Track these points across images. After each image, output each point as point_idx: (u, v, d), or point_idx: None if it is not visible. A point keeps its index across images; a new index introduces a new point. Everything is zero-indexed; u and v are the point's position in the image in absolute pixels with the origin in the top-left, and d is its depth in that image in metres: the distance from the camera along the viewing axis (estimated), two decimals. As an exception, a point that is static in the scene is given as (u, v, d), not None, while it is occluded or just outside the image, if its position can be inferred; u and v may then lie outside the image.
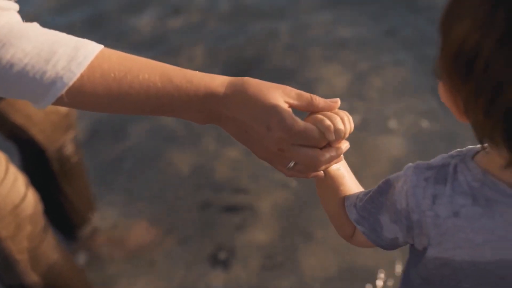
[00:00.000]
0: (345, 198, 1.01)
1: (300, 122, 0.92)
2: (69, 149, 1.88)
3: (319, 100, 0.95)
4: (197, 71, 0.96)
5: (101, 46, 0.93)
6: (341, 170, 1.02)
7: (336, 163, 0.98)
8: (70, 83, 0.90)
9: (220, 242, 2.13)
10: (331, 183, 1.02)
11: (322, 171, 0.98)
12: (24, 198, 1.47)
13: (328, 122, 0.92)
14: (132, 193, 2.35)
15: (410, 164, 0.92)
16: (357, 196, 1.00)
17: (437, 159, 0.91)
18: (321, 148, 0.94)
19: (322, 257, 2.02)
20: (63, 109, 1.77)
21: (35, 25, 0.92)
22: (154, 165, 2.45)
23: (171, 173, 2.40)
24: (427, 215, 0.88)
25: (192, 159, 2.45)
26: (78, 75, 0.90)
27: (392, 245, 0.97)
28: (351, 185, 1.03)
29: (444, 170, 0.88)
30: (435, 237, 0.88)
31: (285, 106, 0.93)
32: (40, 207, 1.55)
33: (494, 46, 0.71)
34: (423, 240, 0.91)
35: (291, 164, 0.95)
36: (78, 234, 2.10)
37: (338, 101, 0.95)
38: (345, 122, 0.93)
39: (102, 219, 2.21)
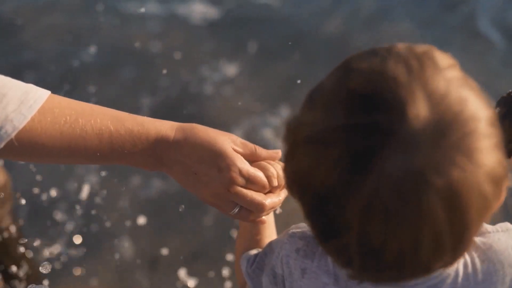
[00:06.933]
0: (248, 250, 1.04)
1: (250, 166, 0.97)
2: (6, 222, 1.83)
3: (261, 150, 1.00)
4: (145, 116, 0.98)
5: (49, 92, 0.93)
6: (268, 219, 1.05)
7: (276, 208, 1.01)
8: (21, 126, 0.88)
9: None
10: (250, 229, 1.06)
11: (264, 218, 1.02)
12: None
13: (272, 169, 0.97)
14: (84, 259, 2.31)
15: (293, 226, 0.91)
16: (255, 253, 1.01)
17: None
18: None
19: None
20: (-2, 182, 1.74)
21: None
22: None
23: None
24: (299, 285, 0.87)
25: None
26: (29, 118, 0.88)
27: None
28: (268, 235, 1.06)
29: (315, 242, 0.84)
30: None
31: (233, 151, 0.97)
32: None
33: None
34: None
35: (236, 210, 0.98)
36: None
37: (279, 152, 1.00)
38: None
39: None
